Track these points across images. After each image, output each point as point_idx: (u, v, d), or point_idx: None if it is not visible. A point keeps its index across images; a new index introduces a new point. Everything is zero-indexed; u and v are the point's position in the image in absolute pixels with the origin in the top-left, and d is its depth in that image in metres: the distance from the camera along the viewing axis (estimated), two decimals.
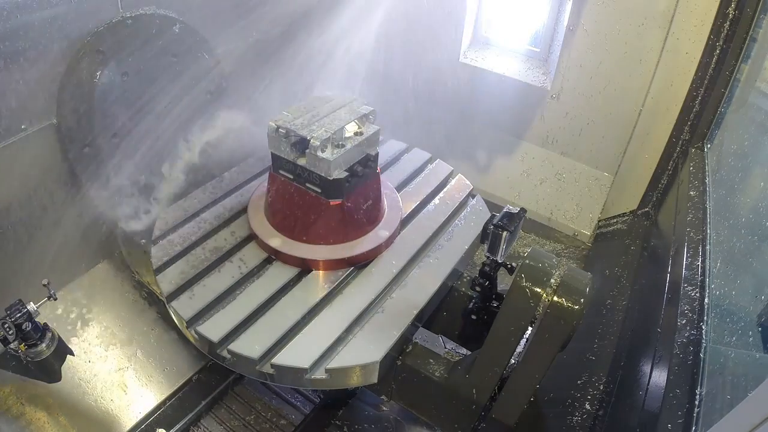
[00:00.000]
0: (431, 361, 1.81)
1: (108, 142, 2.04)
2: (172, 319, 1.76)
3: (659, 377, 1.51)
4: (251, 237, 1.93)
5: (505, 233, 1.64)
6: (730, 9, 2.32)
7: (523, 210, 1.70)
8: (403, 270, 1.89)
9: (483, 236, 1.70)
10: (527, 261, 1.53)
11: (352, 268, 1.85)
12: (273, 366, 1.55)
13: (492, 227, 1.65)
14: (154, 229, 1.96)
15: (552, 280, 1.48)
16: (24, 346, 1.59)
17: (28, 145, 1.89)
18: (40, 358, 1.64)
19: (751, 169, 2.03)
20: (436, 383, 1.76)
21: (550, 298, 1.46)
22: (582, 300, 1.44)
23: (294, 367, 1.53)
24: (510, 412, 1.66)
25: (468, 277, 2.02)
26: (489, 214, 1.87)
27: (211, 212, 2.04)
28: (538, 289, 1.47)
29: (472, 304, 1.93)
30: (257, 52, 2.57)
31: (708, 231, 1.93)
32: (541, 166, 3.25)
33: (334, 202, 1.77)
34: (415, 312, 1.73)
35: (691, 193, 2.22)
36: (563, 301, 1.44)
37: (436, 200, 2.22)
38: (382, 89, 3.41)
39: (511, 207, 1.71)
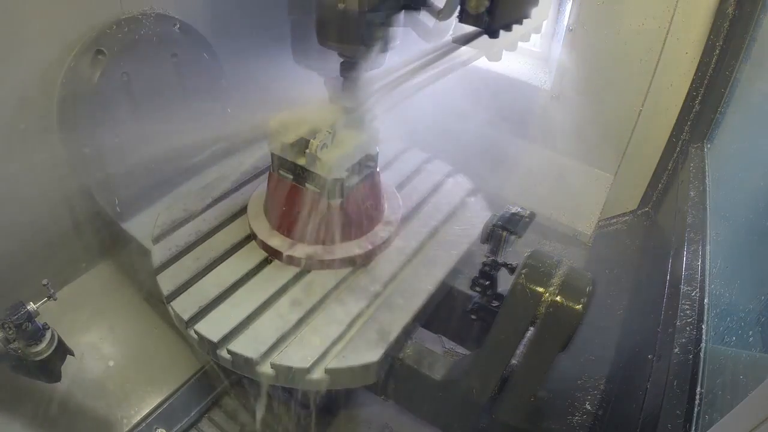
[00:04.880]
0: (431, 361, 1.81)
1: (108, 141, 2.03)
2: (172, 319, 1.76)
3: (659, 377, 1.51)
4: (251, 237, 1.93)
5: (505, 233, 1.64)
6: (730, 9, 2.32)
7: (532, 214, 1.69)
8: (403, 269, 1.89)
9: (483, 236, 1.70)
10: (528, 261, 1.52)
11: (352, 268, 1.85)
12: (273, 366, 1.55)
13: (492, 227, 1.65)
14: (154, 228, 1.96)
15: (553, 280, 1.48)
16: (24, 346, 1.59)
17: (28, 146, 1.89)
18: (40, 358, 1.63)
19: (751, 169, 2.03)
20: (435, 383, 1.75)
21: (550, 299, 1.45)
22: (583, 300, 1.43)
23: (293, 367, 1.54)
24: (510, 413, 1.65)
25: (468, 277, 2.02)
26: (489, 214, 1.87)
27: (211, 212, 2.04)
28: (539, 289, 1.47)
29: (472, 304, 1.93)
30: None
31: (708, 231, 1.93)
32: (541, 166, 3.24)
33: (334, 202, 1.77)
34: (415, 312, 1.73)
35: (691, 193, 2.21)
36: (564, 301, 1.44)
37: (436, 199, 2.22)
38: None
39: (511, 207, 1.71)
